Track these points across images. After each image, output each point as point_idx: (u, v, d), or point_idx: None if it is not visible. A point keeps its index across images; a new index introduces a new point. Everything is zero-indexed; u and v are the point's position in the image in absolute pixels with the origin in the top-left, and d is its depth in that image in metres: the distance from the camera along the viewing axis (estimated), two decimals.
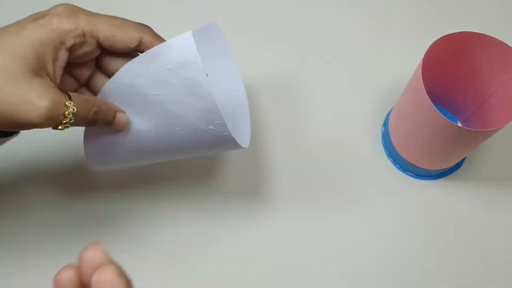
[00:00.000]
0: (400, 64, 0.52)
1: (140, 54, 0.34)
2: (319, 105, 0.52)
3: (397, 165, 0.50)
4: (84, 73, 0.35)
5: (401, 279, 0.46)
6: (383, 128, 0.51)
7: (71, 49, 0.31)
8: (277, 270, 0.46)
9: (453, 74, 0.46)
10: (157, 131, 0.34)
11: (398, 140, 0.47)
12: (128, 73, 0.33)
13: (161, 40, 0.34)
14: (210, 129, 0.33)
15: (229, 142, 0.35)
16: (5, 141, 0.36)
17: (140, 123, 0.34)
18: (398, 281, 0.46)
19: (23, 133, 0.35)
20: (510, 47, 0.40)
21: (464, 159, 0.50)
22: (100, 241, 0.24)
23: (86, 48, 0.32)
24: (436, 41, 0.40)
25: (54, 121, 0.29)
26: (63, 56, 0.31)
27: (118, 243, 0.46)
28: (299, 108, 0.52)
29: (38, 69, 0.29)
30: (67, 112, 0.29)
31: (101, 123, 0.33)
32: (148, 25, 0.34)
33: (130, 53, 0.34)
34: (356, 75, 0.54)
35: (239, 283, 0.45)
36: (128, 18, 0.34)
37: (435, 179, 0.49)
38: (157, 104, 0.33)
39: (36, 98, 0.28)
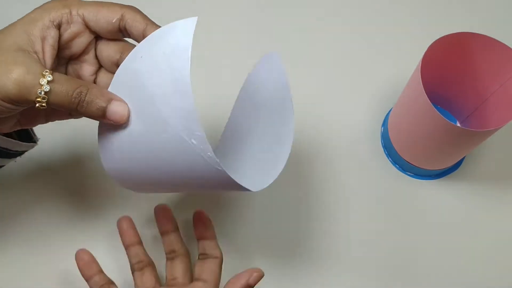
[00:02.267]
0: (400, 64, 0.52)
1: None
2: (318, 105, 0.52)
3: (396, 165, 0.50)
4: (87, 69, 0.34)
5: (401, 279, 0.46)
6: (382, 128, 0.51)
7: (60, 29, 0.31)
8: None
9: (452, 75, 0.46)
10: (147, 134, 0.30)
11: (397, 140, 0.47)
12: (133, 56, 0.30)
13: (145, 17, 0.32)
14: (193, 143, 0.28)
15: (219, 174, 0.29)
16: (24, 148, 0.36)
17: (135, 123, 0.30)
18: (398, 281, 0.46)
19: None
20: (509, 47, 0.40)
21: (463, 159, 0.51)
22: None
23: (74, 28, 0.32)
24: (435, 41, 0.40)
25: (28, 89, 0.28)
26: (51, 33, 0.31)
27: None
28: (298, 108, 0.52)
29: (25, 45, 0.29)
30: (42, 81, 0.28)
31: (89, 109, 0.30)
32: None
33: (118, 36, 0.33)
34: (355, 75, 0.54)
35: None
36: None
37: (434, 179, 0.50)
38: (151, 99, 0.29)
39: (13, 65, 0.28)
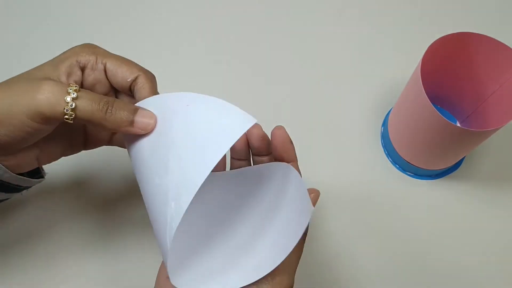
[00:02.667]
0: (399, 64, 0.52)
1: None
2: (318, 105, 0.53)
3: (396, 165, 0.50)
4: None
5: (401, 278, 0.46)
6: (382, 128, 0.51)
7: (84, 73, 0.34)
8: None
9: (452, 75, 0.46)
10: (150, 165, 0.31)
11: (397, 140, 0.47)
12: (180, 97, 0.31)
13: (152, 87, 0.34)
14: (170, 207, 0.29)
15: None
16: (34, 184, 0.37)
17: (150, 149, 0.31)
18: (398, 281, 0.46)
19: None
20: (509, 47, 0.40)
21: (462, 159, 0.51)
22: None
23: (96, 75, 0.34)
24: (435, 41, 0.40)
25: (57, 100, 0.29)
26: (77, 72, 0.33)
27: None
28: (298, 108, 0.53)
29: (52, 76, 0.32)
30: (70, 89, 0.30)
31: (117, 117, 0.31)
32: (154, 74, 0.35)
33: (128, 93, 0.35)
34: (355, 75, 0.54)
35: None
36: None
37: (434, 179, 0.50)
38: (167, 146, 0.30)
39: (41, 86, 0.30)
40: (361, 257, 0.46)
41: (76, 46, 0.34)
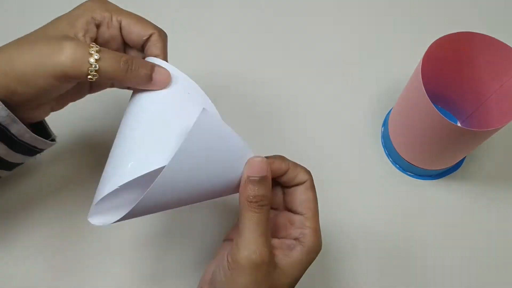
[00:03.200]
0: (400, 64, 0.52)
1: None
2: (318, 105, 0.52)
3: (397, 165, 0.50)
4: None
5: (400, 278, 0.46)
6: (382, 128, 0.51)
7: (99, 28, 0.34)
8: None
9: (453, 74, 0.46)
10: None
11: (398, 140, 0.47)
12: (186, 81, 0.34)
13: (164, 47, 0.35)
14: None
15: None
16: (48, 146, 0.38)
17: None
18: (398, 281, 0.46)
19: None
20: (510, 47, 0.40)
21: (463, 159, 0.50)
22: None
23: (111, 31, 0.34)
24: (435, 41, 0.40)
25: (80, 62, 0.30)
26: (93, 29, 0.33)
27: None
28: (298, 108, 0.52)
29: (70, 34, 0.32)
30: (92, 50, 0.31)
31: (137, 74, 0.32)
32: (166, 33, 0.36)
33: (140, 49, 0.36)
34: (355, 75, 0.54)
35: None
36: None
37: (435, 179, 0.50)
38: (154, 115, 0.32)
39: (63, 46, 0.31)
40: (360, 257, 0.46)
41: (87, 1, 0.34)
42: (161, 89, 0.33)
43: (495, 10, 0.58)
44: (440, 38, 0.40)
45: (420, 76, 0.38)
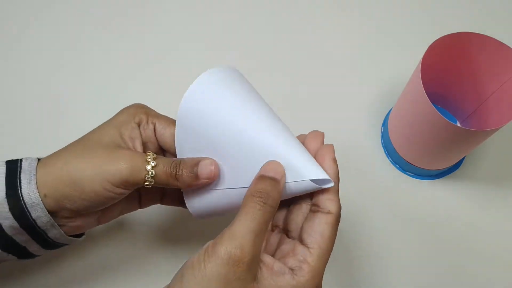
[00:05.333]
0: (400, 64, 0.52)
1: None
2: (318, 105, 0.53)
3: (396, 165, 0.50)
4: None
5: (400, 278, 0.46)
6: (382, 128, 0.51)
7: (140, 128, 0.35)
8: None
9: (452, 74, 0.46)
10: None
11: (398, 140, 0.47)
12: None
13: None
14: None
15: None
16: (75, 242, 0.37)
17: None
18: (397, 281, 0.46)
19: None
20: (509, 47, 0.40)
21: (463, 159, 0.51)
22: None
23: (147, 132, 0.35)
24: (435, 41, 0.40)
25: (138, 171, 0.32)
26: (138, 134, 0.35)
27: None
28: (298, 108, 0.52)
29: (122, 144, 0.34)
30: (149, 158, 0.33)
31: (184, 176, 0.33)
32: None
33: (174, 152, 0.37)
34: (355, 75, 0.54)
35: None
36: None
37: (434, 178, 0.50)
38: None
39: (120, 156, 0.33)
40: (360, 257, 0.46)
41: (130, 107, 0.36)
42: (211, 181, 0.33)
43: (495, 10, 0.58)
44: (440, 38, 0.40)
45: (420, 76, 0.38)
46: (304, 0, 0.58)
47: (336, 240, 0.47)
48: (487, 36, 0.40)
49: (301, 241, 0.31)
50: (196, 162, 0.33)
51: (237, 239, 0.28)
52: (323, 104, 0.53)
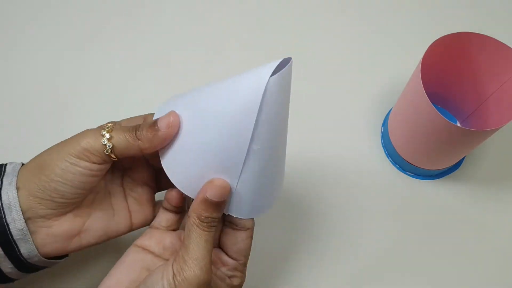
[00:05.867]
0: (400, 64, 0.52)
1: None
2: (318, 105, 0.53)
3: (396, 165, 0.50)
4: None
5: (400, 278, 0.46)
6: (382, 128, 0.51)
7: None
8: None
9: (452, 74, 0.46)
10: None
11: (397, 140, 0.47)
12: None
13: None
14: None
15: None
16: (53, 264, 0.36)
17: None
18: (397, 281, 0.46)
19: None
20: (509, 47, 0.40)
21: (463, 159, 0.51)
22: None
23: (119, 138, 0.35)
24: (435, 41, 0.40)
25: (94, 140, 0.32)
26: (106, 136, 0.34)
27: None
28: (298, 108, 0.52)
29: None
30: (103, 131, 0.32)
31: (145, 137, 0.32)
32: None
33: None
34: (355, 75, 0.54)
35: None
36: None
37: (434, 179, 0.50)
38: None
39: (79, 134, 0.33)
40: (360, 257, 0.46)
41: (84, 132, 0.34)
42: (174, 131, 0.32)
43: (495, 10, 0.58)
44: (440, 38, 0.40)
45: (420, 76, 0.38)
46: (303, 1, 0.58)
47: (336, 240, 0.47)
48: (487, 36, 0.40)
49: (224, 251, 0.36)
50: (156, 119, 0.33)
51: (200, 263, 0.30)
52: (323, 104, 0.53)
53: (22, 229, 0.32)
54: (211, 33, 0.56)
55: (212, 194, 0.31)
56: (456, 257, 0.47)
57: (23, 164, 0.34)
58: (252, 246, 0.45)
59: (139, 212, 0.37)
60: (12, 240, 0.32)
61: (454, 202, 0.49)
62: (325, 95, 0.53)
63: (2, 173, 0.33)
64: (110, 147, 0.32)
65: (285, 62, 0.31)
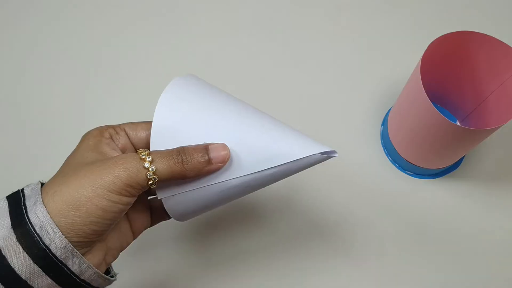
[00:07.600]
0: (399, 64, 0.52)
1: None
2: (318, 105, 0.53)
3: (396, 164, 0.50)
4: None
5: (400, 278, 0.46)
6: (382, 127, 0.51)
7: (114, 140, 0.33)
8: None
9: (452, 74, 0.46)
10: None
11: (397, 139, 0.47)
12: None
13: None
14: None
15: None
16: (109, 282, 0.33)
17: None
18: (397, 281, 0.46)
19: None
20: (509, 46, 0.40)
21: (462, 158, 0.51)
22: None
23: (121, 140, 0.33)
24: (435, 40, 0.40)
25: (135, 168, 0.29)
26: (114, 145, 0.33)
27: None
28: (298, 107, 0.53)
29: (104, 156, 0.32)
30: (146, 163, 0.30)
31: (194, 163, 0.30)
32: None
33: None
34: (355, 74, 0.54)
35: None
36: None
37: (434, 178, 0.50)
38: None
39: (110, 160, 0.30)
40: (360, 256, 0.47)
41: (91, 131, 0.33)
42: (224, 164, 0.31)
43: (495, 10, 0.58)
44: (440, 38, 0.40)
45: (420, 75, 0.38)
46: (303, 0, 0.58)
47: (336, 240, 0.47)
48: (487, 35, 0.40)
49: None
50: (205, 147, 0.31)
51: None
52: (323, 104, 0.53)
53: (64, 246, 0.27)
54: (211, 33, 0.56)
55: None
56: (456, 257, 0.47)
57: (42, 184, 0.30)
58: (249, 246, 0.45)
59: (139, 219, 0.36)
60: (57, 262, 0.28)
61: (454, 201, 0.49)
62: (325, 95, 0.53)
63: (22, 198, 0.29)
64: (156, 180, 0.30)
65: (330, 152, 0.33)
